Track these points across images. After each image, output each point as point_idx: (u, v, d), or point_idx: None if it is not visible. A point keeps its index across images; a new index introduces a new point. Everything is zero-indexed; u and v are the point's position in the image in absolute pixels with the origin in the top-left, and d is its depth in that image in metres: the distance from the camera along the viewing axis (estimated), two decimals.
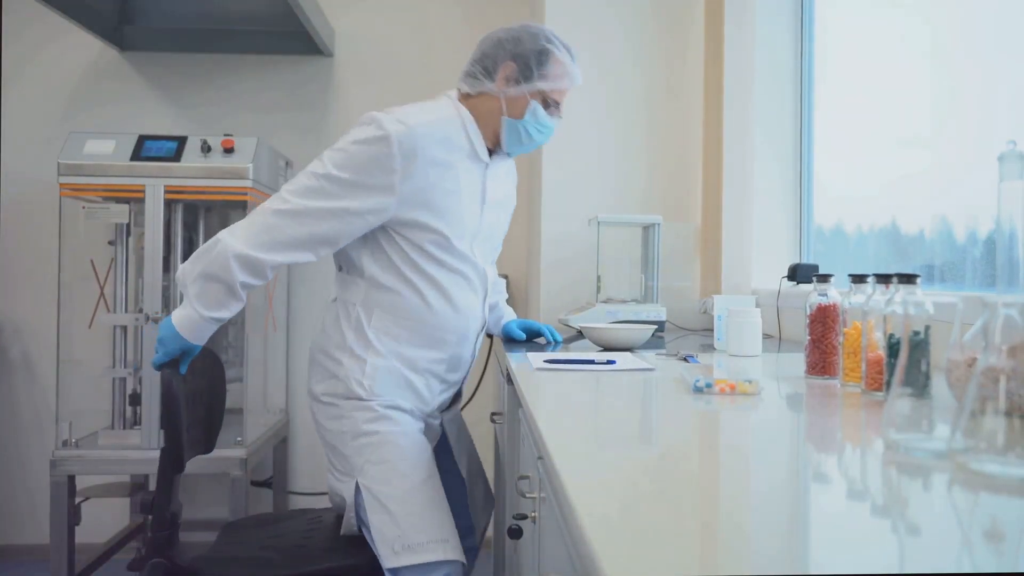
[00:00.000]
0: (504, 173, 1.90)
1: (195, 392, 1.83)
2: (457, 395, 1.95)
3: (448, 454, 1.90)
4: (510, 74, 1.74)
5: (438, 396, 1.81)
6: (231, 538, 1.87)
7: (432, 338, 1.74)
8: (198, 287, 1.61)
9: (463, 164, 1.73)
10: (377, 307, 1.71)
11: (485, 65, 1.76)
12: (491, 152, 1.81)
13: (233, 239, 1.60)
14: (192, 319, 1.62)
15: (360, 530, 1.69)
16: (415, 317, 1.72)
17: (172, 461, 1.71)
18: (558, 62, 1.77)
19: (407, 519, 1.61)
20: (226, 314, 1.64)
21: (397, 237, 1.69)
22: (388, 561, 1.59)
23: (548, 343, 2.14)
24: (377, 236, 1.70)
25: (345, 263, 1.78)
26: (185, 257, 2.79)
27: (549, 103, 1.78)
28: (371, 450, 1.67)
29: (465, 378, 1.91)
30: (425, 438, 1.77)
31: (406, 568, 1.58)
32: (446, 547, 1.60)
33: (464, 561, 1.64)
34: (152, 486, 3.24)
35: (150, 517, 1.74)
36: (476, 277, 1.79)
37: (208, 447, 1.94)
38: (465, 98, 1.79)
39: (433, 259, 1.70)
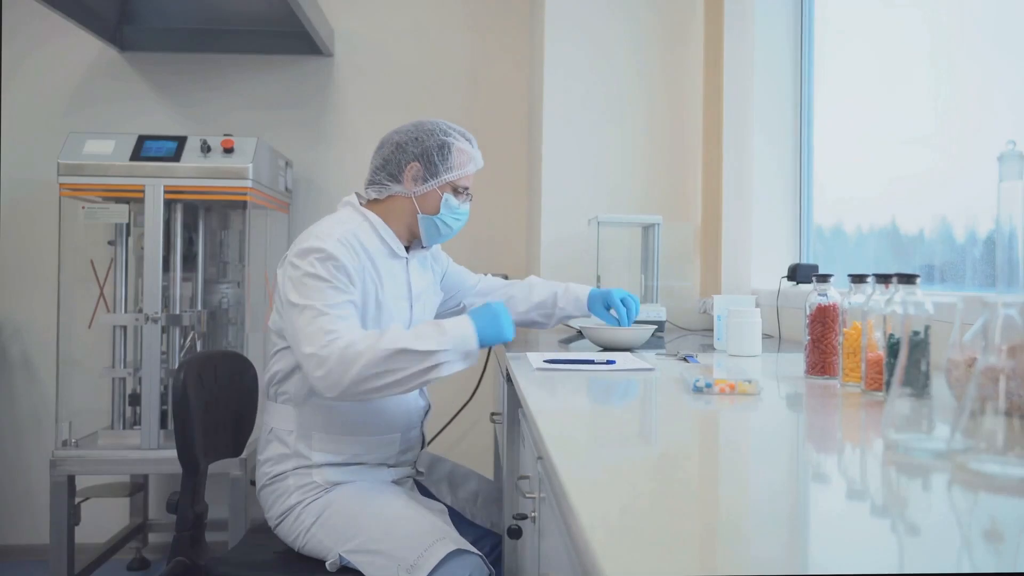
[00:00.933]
0: (422, 265, 1.93)
1: (217, 397, 1.86)
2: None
3: (424, 490, 1.93)
4: (416, 173, 1.78)
5: (393, 475, 1.82)
6: (254, 540, 1.90)
7: (380, 442, 1.78)
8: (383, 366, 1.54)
9: (385, 264, 1.77)
10: (315, 430, 1.73)
11: (389, 171, 1.80)
12: (408, 247, 1.85)
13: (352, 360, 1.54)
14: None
15: None
16: (357, 428, 1.75)
17: (185, 464, 1.74)
18: (460, 151, 1.81)
19: (397, 547, 1.59)
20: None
21: None
22: None
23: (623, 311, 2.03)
24: None
25: (273, 391, 1.78)
26: (185, 258, 2.81)
27: (459, 190, 1.83)
28: (337, 517, 1.67)
29: (422, 448, 1.93)
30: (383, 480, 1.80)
31: None
32: (445, 543, 1.59)
33: (467, 548, 1.62)
34: (152, 486, 3.26)
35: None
36: None
37: (236, 450, 1.97)
38: (373, 204, 1.83)
39: None
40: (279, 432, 1.76)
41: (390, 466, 1.82)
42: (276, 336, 1.77)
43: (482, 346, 1.62)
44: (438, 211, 1.80)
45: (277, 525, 1.75)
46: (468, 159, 1.83)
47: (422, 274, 1.91)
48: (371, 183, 1.83)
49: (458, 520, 1.88)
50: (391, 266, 1.79)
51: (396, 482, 1.83)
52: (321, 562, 1.68)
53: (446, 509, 1.84)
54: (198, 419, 1.75)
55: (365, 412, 1.75)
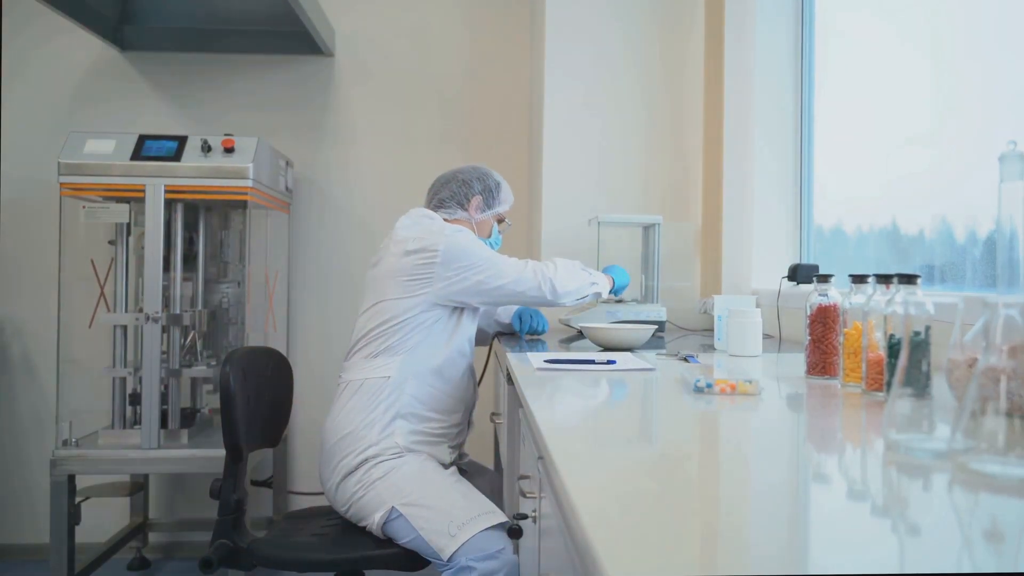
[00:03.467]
0: None
1: (259, 391, 2.02)
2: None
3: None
4: (479, 204, 2.22)
5: (450, 456, 2.08)
6: (290, 525, 2.04)
7: (451, 406, 2.06)
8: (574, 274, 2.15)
9: None
10: (411, 377, 1.99)
11: (458, 200, 2.21)
12: None
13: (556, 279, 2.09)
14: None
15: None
16: (440, 381, 2.03)
17: (230, 452, 1.87)
18: (507, 190, 2.28)
19: (451, 507, 1.82)
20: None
21: (457, 310, 2.06)
22: (448, 548, 1.76)
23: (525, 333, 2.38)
24: (436, 317, 2.02)
25: (374, 346, 2.01)
26: (186, 257, 2.81)
27: (503, 220, 2.29)
28: (401, 477, 1.89)
29: (464, 437, 2.20)
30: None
31: (467, 545, 1.75)
32: (496, 514, 1.83)
33: (507, 520, 1.81)
34: (152, 486, 3.26)
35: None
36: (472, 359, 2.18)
37: (274, 441, 2.15)
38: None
39: (467, 334, 2.10)
40: (372, 383, 1.97)
41: (451, 447, 2.07)
42: (403, 308, 2.00)
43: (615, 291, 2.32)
44: (491, 235, 2.24)
45: (344, 477, 1.92)
46: (509, 196, 2.28)
47: None
48: (441, 207, 2.20)
49: None
50: None
51: (447, 466, 2.04)
52: (361, 538, 1.87)
53: None
54: (241, 410, 1.89)
55: (448, 374, 2.05)
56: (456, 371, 2.07)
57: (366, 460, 1.92)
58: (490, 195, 2.22)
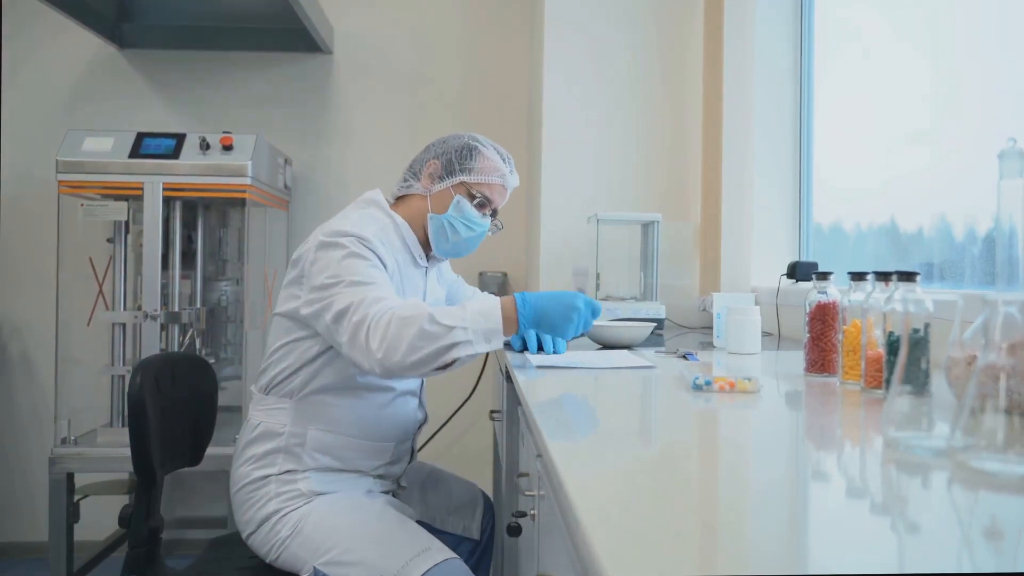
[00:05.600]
0: (438, 277, 1.90)
1: (175, 403, 1.75)
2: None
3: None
4: (434, 171, 1.73)
5: (377, 486, 1.74)
6: (213, 555, 1.75)
7: (373, 448, 1.70)
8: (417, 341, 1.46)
9: (408, 270, 1.73)
10: (311, 426, 1.64)
11: (413, 169, 1.77)
12: (427, 256, 1.81)
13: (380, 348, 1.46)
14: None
15: None
16: (353, 429, 1.66)
17: (141, 474, 1.61)
18: (484, 157, 1.73)
19: (378, 557, 1.52)
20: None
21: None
22: None
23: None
24: (318, 349, 1.63)
25: (273, 384, 1.67)
26: (184, 255, 2.81)
27: (476, 196, 1.73)
28: (313, 530, 1.57)
29: (410, 461, 1.85)
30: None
31: None
32: (429, 554, 1.53)
33: (455, 556, 1.56)
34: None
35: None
36: (413, 382, 1.77)
37: (194, 459, 1.87)
38: (396, 205, 1.78)
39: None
40: (271, 427, 1.64)
41: (376, 477, 1.73)
42: (284, 330, 1.66)
43: (521, 327, 1.54)
44: (447, 211, 1.72)
45: (251, 534, 1.63)
46: (492, 168, 1.74)
47: (437, 287, 1.88)
48: (399, 182, 1.79)
49: (428, 530, 1.74)
50: (412, 274, 1.75)
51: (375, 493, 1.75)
52: (292, 574, 1.59)
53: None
54: (155, 426, 1.64)
55: (364, 415, 1.67)
56: (373, 409, 1.68)
57: (268, 517, 1.60)
58: (449, 159, 1.72)
